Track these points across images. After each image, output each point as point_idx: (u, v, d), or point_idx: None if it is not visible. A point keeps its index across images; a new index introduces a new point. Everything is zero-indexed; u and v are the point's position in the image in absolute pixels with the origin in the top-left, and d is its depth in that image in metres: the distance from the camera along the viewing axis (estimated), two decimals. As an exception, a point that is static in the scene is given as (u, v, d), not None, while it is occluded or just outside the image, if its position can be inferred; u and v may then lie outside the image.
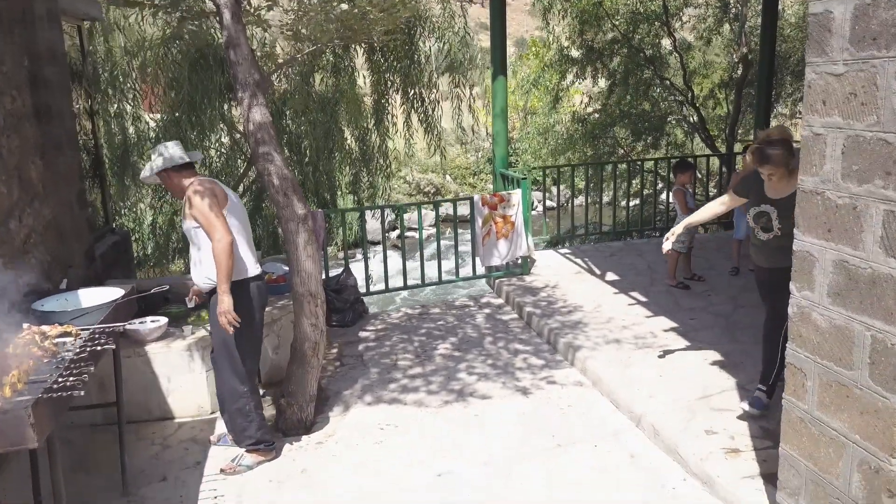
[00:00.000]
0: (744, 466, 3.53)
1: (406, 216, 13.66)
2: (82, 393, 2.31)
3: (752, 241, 3.98)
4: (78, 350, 2.67)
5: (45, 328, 2.79)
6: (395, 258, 8.29)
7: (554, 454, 3.91)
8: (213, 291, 3.68)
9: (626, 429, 4.18)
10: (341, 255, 5.90)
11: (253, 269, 3.78)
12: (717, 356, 4.90)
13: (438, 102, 6.99)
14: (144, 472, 3.85)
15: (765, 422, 3.93)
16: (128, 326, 4.38)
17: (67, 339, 2.77)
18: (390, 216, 16.29)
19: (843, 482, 2.58)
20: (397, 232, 15.22)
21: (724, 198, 4.17)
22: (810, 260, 2.63)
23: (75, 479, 3.78)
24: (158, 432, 4.29)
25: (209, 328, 4.01)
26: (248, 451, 3.88)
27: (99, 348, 2.68)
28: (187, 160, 3.76)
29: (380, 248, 7.27)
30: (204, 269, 3.71)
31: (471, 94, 6.76)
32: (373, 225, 16.98)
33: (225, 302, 3.52)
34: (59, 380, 2.36)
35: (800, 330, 2.74)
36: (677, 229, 4.25)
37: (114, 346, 2.71)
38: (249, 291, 3.75)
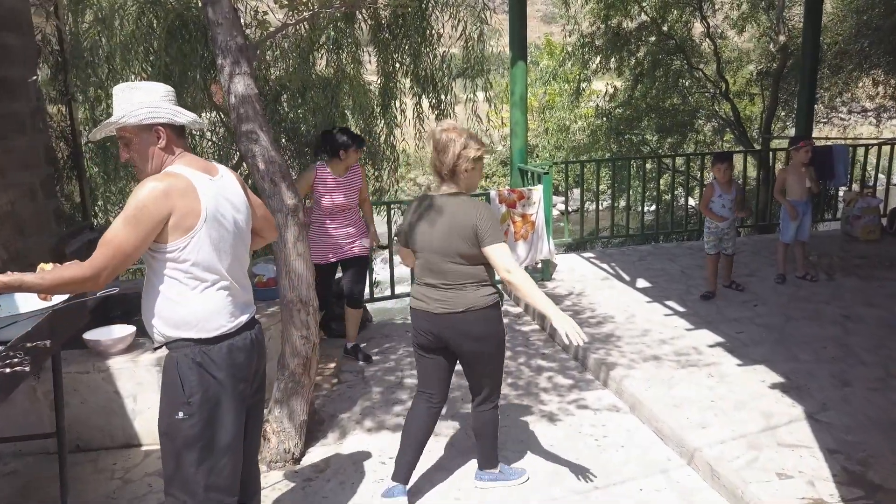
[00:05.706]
0: (832, 523, 2.84)
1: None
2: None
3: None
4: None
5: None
6: (402, 268, 7.61)
7: (590, 498, 3.23)
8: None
9: (676, 466, 3.49)
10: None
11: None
12: (775, 377, 4.21)
13: (451, 90, 6.33)
14: (97, 513, 3.21)
15: (848, 462, 3.24)
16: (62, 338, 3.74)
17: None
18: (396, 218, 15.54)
19: None
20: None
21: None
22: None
23: (10, 524, 3.15)
24: (120, 463, 3.63)
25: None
26: None
27: (8, 370, 2.03)
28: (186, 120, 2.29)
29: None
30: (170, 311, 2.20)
31: (486, 80, 6.10)
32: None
33: None
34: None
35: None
36: None
37: (28, 369, 2.05)
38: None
